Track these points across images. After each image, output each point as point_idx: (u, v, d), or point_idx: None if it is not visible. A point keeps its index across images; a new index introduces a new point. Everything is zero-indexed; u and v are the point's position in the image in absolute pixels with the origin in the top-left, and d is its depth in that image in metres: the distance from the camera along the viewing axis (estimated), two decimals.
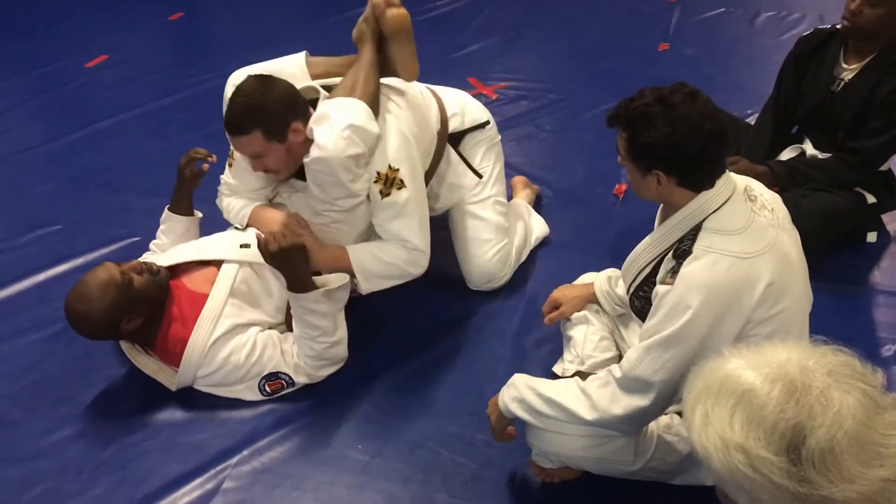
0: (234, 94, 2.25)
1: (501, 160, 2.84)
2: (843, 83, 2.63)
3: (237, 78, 2.44)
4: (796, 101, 2.79)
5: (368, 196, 2.33)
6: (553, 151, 3.51)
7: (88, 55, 4.55)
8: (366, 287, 2.44)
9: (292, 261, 2.23)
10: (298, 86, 2.36)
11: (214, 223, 2.67)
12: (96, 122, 3.89)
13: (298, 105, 2.29)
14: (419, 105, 2.55)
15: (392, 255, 2.40)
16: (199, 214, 2.70)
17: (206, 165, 2.59)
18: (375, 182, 2.31)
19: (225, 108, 2.30)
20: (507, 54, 4.38)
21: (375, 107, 2.33)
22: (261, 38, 4.56)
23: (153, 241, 2.69)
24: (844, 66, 2.63)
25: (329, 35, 4.28)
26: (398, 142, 2.35)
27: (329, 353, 2.33)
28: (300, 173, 2.37)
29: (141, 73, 4.38)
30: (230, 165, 2.52)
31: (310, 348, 2.30)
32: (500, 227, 2.72)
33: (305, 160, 2.23)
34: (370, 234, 2.47)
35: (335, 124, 2.19)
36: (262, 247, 2.22)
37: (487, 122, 2.78)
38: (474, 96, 2.79)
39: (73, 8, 5.30)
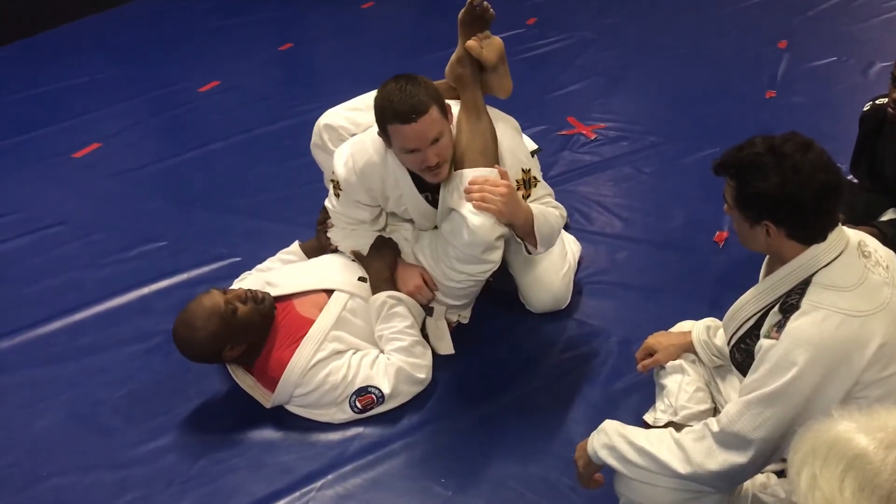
0: (392, 87, 2.21)
1: None
2: None
3: (328, 118, 2.54)
4: (880, 175, 2.72)
5: None
6: (652, 194, 3.47)
7: (202, 80, 4.76)
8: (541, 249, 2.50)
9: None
10: None
11: None
12: (206, 144, 4.04)
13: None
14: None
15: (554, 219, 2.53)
16: None
17: None
18: (518, 190, 2.39)
19: (390, 105, 2.20)
20: (609, 95, 4.36)
21: (495, 147, 2.42)
22: (364, 70, 4.67)
23: (260, 265, 2.79)
24: None
25: (430, 70, 4.33)
26: (516, 142, 2.48)
27: (417, 350, 2.39)
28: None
29: (250, 99, 4.55)
30: (337, 196, 2.55)
31: (399, 339, 2.38)
32: (562, 251, 2.76)
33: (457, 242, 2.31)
34: None
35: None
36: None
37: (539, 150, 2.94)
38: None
39: (189, 36, 5.57)
